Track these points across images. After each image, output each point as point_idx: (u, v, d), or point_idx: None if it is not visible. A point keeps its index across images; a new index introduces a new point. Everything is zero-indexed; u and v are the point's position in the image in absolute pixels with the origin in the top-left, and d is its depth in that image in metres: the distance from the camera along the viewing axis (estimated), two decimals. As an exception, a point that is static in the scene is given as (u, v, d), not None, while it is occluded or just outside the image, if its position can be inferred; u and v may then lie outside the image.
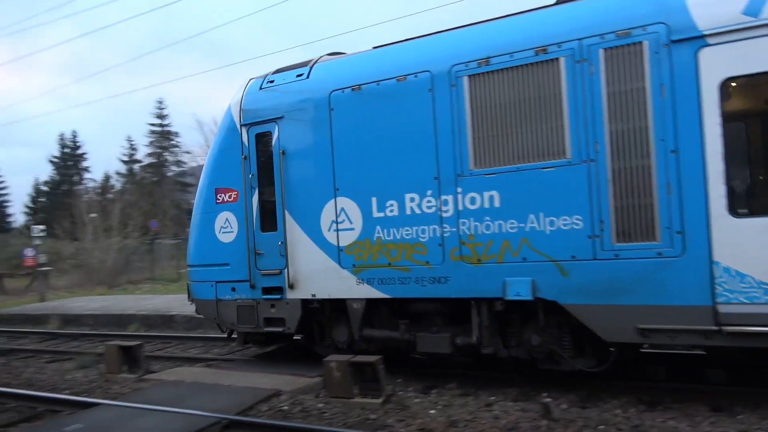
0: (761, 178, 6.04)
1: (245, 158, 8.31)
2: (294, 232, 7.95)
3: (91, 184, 53.34)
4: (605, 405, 6.23)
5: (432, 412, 6.25)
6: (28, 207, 59.11)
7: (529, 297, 6.32)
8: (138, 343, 8.85)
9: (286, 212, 8.00)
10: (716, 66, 5.54)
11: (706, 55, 5.58)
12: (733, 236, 5.44)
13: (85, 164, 59.49)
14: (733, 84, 5.61)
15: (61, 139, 58.71)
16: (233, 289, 8.48)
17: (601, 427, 5.47)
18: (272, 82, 8.34)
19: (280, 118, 8.03)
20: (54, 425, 6.43)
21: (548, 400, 6.17)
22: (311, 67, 8.09)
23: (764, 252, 5.31)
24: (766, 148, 6.11)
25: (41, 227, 24.09)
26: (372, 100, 7.32)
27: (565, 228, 6.17)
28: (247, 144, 8.35)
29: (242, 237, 8.33)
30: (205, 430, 5.84)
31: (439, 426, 5.75)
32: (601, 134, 6.02)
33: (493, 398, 6.62)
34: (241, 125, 8.40)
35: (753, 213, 5.74)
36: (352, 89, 7.48)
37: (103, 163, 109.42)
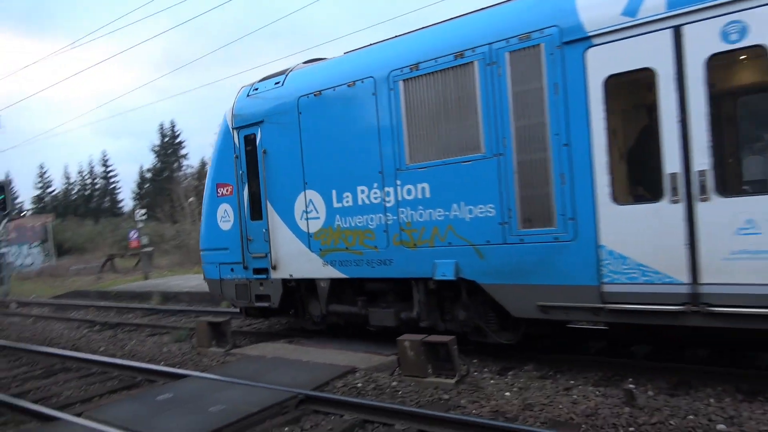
0: (639, 168, 6.37)
1: (236, 157, 9.42)
2: (274, 220, 9.02)
3: (189, 171, 56.74)
4: (697, 393, 5.80)
5: (507, 394, 6.09)
6: (135, 193, 64.09)
7: (452, 277, 7.11)
8: (225, 319, 9.32)
9: (268, 203, 9.06)
10: (601, 64, 5.99)
11: (592, 55, 6.05)
12: (616, 222, 5.98)
13: (183, 152, 63.44)
14: (615, 81, 6.00)
15: (161, 128, 62.89)
16: (232, 270, 9.69)
17: (691, 416, 5.07)
18: (257, 89, 9.34)
19: (262, 121, 9.05)
20: (149, 394, 6.92)
21: (632, 386, 5.83)
22: (286, 76, 9.04)
23: (642, 236, 5.84)
24: (645, 140, 6.25)
25: (143, 212, 26.02)
26: (330, 104, 8.21)
27: (481, 216, 6.90)
28: (237, 145, 9.44)
29: (237, 225, 9.52)
30: (282, 404, 6.04)
31: (513, 408, 5.60)
32: (508, 130, 6.64)
33: (572, 382, 6.36)
34: (233, 128, 9.48)
35: (633, 201, 6.25)
36: (315, 95, 8.39)
37: (199, 149, 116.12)
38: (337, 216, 8.27)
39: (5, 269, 27.74)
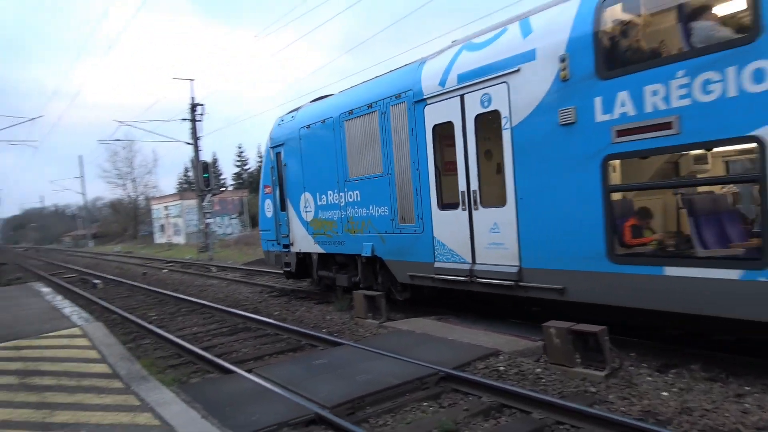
0: (449, 186, 8.79)
1: (272, 168, 13.66)
2: (291, 212, 13.18)
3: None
4: None
5: (664, 394, 5.58)
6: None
7: (369, 254, 10.52)
8: (379, 293, 9.80)
9: (287, 200, 13.25)
10: (431, 117, 8.86)
11: (427, 110, 8.92)
12: (440, 221, 8.89)
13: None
14: (438, 128, 8.83)
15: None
16: (273, 245, 14.13)
17: None
18: (282, 121, 13.44)
19: (283, 143, 13.12)
20: (308, 358, 7.63)
21: (825, 401, 4.94)
22: (297, 112, 13.02)
23: (451, 231, 8.68)
24: (450, 169, 8.80)
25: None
26: (315, 134, 11.93)
27: (382, 214, 10.13)
28: (272, 159, 13.60)
29: (273, 214, 13.89)
30: (423, 379, 6.25)
31: (668, 411, 5.12)
32: (392, 158, 9.74)
33: (747, 388, 5.59)
34: (270, 147, 13.75)
35: (446, 208, 8.81)
36: (307, 127, 12.19)
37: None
38: (320, 210, 12.00)
39: (210, 237, 32.18)
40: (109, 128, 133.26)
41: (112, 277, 22.71)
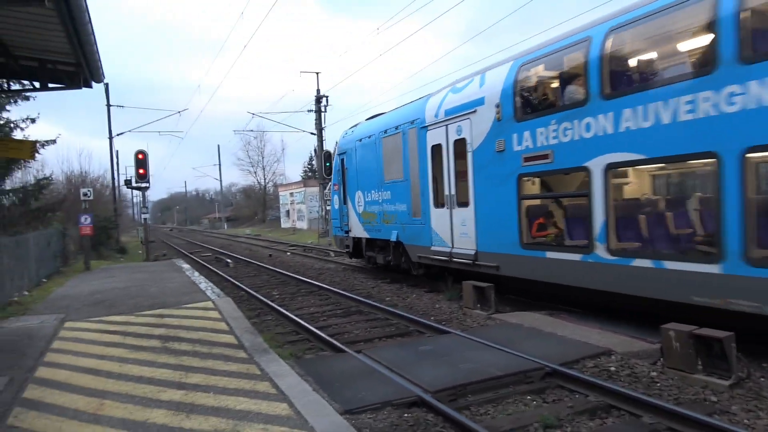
0: (440, 191, 11.99)
1: (338, 170, 17.57)
2: (349, 205, 16.83)
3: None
4: None
5: (799, 410, 5.06)
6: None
7: (395, 240, 13.91)
8: (489, 285, 9.76)
9: (347, 196, 16.90)
10: (431, 140, 12.04)
11: (428, 134, 12.11)
12: (435, 216, 12.14)
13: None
14: (434, 148, 11.99)
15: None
16: (339, 230, 18.05)
17: None
18: (345, 134, 17.20)
19: (345, 152, 16.89)
20: (415, 343, 7.85)
21: None
22: (354, 128, 16.90)
23: (441, 224, 11.93)
24: (441, 177, 11.89)
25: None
26: (365, 145, 15.42)
27: (403, 210, 13.43)
28: (338, 163, 17.55)
29: (339, 207, 17.81)
30: (527, 373, 6.19)
31: (801, 429, 4.65)
32: (408, 167, 13.05)
33: None
34: (336, 154, 18.00)
35: (439, 206, 12.04)
36: (360, 140, 15.77)
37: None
38: (367, 205, 15.45)
39: (330, 223, 33.70)
40: (244, 119, 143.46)
41: (242, 257, 24.66)
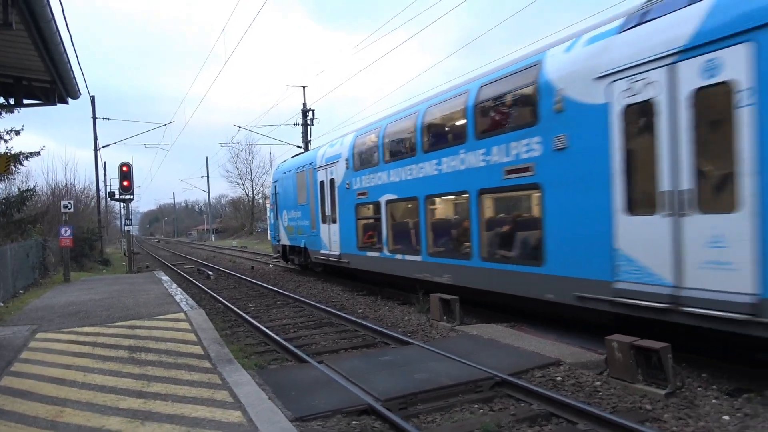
0: (323, 211, 17.63)
1: (273, 194, 23.87)
2: (279, 221, 22.94)
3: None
4: None
5: (725, 418, 5.35)
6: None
7: (303, 246, 20.03)
8: (454, 297, 10.03)
9: (278, 214, 23.24)
10: (319, 177, 17.46)
11: (318, 173, 17.55)
12: (322, 229, 17.84)
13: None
14: (321, 182, 17.43)
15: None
16: (274, 240, 24.81)
17: None
18: (279, 166, 23.87)
19: (277, 180, 23.31)
20: (376, 354, 8.09)
21: None
22: (284, 162, 23.09)
23: (325, 233, 17.51)
24: (324, 203, 17.40)
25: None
26: (286, 177, 21.26)
27: (307, 224, 19.36)
28: (273, 188, 23.75)
29: (273, 222, 25.02)
30: (478, 383, 6.45)
31: (723, 435, 4.93)
32: (308, 195, 18.63)
33: (824, 421, 5.19)
34: (273, 181, 23.97)
35: (324, 222, 17.45)
36: (284, 173, 21.79)
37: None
38: (289, 220, 20.87)
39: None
40: (232, 131, 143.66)
41: (224, 269, 24.77)
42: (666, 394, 5.89)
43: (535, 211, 8.89)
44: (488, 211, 10.08)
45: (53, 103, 8.93)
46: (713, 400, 5.81)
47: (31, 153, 24.79)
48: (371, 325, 10.11)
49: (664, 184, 6.52)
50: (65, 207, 17.88)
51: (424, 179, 11.57)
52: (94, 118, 31.87)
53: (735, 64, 5.78)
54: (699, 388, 6.19)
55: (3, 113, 20.49)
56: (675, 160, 6.42)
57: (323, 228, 17.24)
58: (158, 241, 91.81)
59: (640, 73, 6.72)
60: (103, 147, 34.71)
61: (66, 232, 17.53)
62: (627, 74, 6.90)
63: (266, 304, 14.24)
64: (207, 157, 71.53)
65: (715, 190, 6.22)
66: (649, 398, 5.90)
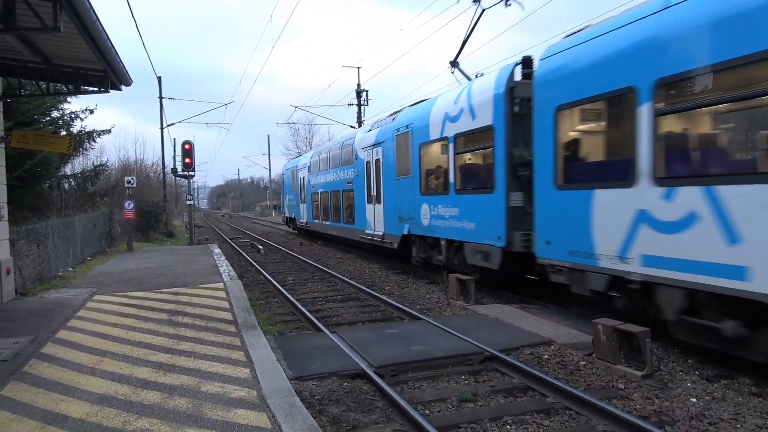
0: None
1: (289, 183, 34.58)
2: (304, 204, 30.58)
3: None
4: None
5: (692, 399, 5.65)
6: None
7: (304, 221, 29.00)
8: (470, 278, 10.49)
9: (306, 196, 29.16)
10: (301, 175, 28.96)
11: (300, 172, 29.23)
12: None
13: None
14: (302, 178, 28.59)
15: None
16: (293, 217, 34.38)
17: None
18: (285, 166, 37.78)
19: (288, 170, 35.65)
20: (385, 327, 8.73)
21: None
22: (296, 159, 35.59)
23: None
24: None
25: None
26: (291, 173, 33.44)
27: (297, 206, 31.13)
28: (290, 178, 33.69)
29: (296, 204, 32.54)
30: (469, 356, 6.97)
31: (681, 415, 5.25)
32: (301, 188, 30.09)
33: (787, 407, 5.39)
34: (297, 170, 31.19)
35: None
36: (291, 171, 33.98)
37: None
38: (310, 202, 27.60)
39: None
40: (291, 110, 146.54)
41: (274, 244, 26.08)
42: (642, 375, 6.21)
43: (352, 200, 18.89)
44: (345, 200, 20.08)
45: (107, 91, 9.99)
46: (689, 384, 6.08)
47: (103, 131, 26.79)
48: (392, 302, 10.75)
49: (374, 191, 16.76)
50: (128, 182, 19.46)
51: (325, 181, 22.88)
52: (161, 98, 33.85)
53: (377, 153, 16.05)
54: (680, 372, 6.45)
55: (67, 98, 22.30)
56: (377, 183, 16.28)
57: (302, 206, 28.42)
58: (223, 216, 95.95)
59: (368, 148, 16.84)
60: (169, 125, 36.83)
61: (129, 205, 19.10)
62: (366, 148, 17.15)
63: (304, 278, 15.16)
64: (268, 135, 73.97)
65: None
66: (626, 378, 6.25)
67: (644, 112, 6.79)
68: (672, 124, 6.75)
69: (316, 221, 24.85)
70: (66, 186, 25.74)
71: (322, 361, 6.87)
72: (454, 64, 13.88)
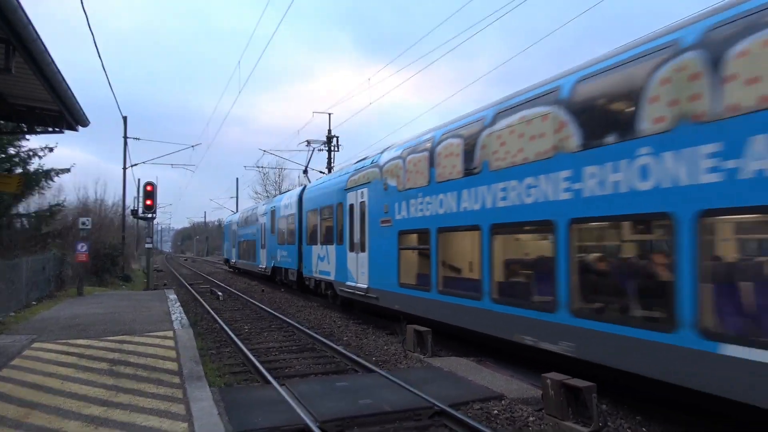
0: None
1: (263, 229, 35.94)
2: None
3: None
4: None
5: (636, 457, 5.72)
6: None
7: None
8: (426, 329, 10.53)
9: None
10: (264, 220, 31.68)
11: (260, 218, 33.15)
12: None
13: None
14: (263, 225, 33.17)
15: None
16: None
17: None
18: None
19: (233, 222, 47.76)
20: (337, 379, 8.66)
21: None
22: (233, 215, 50.37)
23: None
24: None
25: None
26: (243, 223, 40.41)
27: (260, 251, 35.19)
28: (231, 230, 46.59)
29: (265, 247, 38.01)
30: (417, 411, 6.95)
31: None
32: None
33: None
34: (226, 225, 50.51)
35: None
36: (238, 221, 44.53)
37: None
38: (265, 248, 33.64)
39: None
40: (256, 153, 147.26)
41: (235, 291, 25.70)
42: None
43: (254, 247, 33.17)
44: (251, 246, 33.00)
45: (61, 131, 10.00)
46: (634, 441, 6.17)
47: (62, 169, 26.42)
48: (347, 353, 10.67)
49: (262, 242, 30.39)
50: (83, 224, 19.15)
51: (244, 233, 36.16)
52: (126, 137, 33.74)
53: (262, 219, 30.84)
54: (628, 429, 6.54)
55: (21, 138, 22.09)
56: (263, 237, 28.75)
57: (233, 249, 42.06)
58: (186, 260, 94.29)
59: (261, 215, 31.14)
60: (132, 166, 36.54)
61: (82, 248, 18.73)
62: (260, 215, 31.18)
63: (261, 327, 14.94)
64: (237, 178, 73.85)
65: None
66: (573, 435, 6.30)
67: (309, 217, 20.31)
68: (309, 221, 20.39)
69: (241, 260, 38.03)
70: (18, 225, 25.15)
71: (265, 415, 6.76)
72: (305, 172, 30.88)
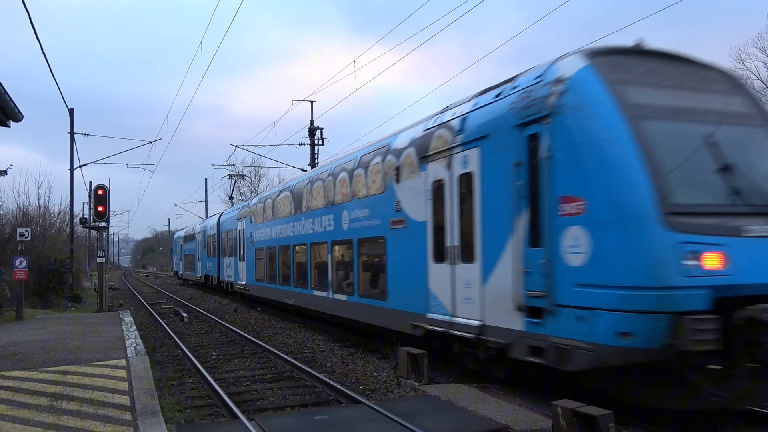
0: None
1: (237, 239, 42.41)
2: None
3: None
4: None
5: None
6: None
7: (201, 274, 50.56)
8: (422, 352, 10.60)
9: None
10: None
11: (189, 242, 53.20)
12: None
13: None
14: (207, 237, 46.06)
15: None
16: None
17: None
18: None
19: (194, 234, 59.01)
20: (316, 412, 8.73)
21: None
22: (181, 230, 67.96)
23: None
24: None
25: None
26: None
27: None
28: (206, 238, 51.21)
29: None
30: (407, 447, 7.01)
31: None
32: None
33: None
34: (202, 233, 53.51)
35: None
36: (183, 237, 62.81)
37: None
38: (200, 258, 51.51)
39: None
40: (230, 149, 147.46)
41: (203, 311, 25.76)
42: (606, 468, 6.38)
43: (194, 259, 50.19)
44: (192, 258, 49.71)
45: (-9, 127, 10.05)
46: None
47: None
48: (330, 381, 10.73)
49: (201, 255, 47.61)
50: (21, 236, 19.16)
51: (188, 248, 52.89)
52: (72, 133, 33.68)
53: (201, 236, 47.91)
54: (649, 463, 6.62)
55: None
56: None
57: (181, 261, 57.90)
58: (147, 276, 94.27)
59: (198, 233, 50.20)
60: (81, 166, 36.40)
61: (21, 263, 18.75)
62: (197, 233, 50.59)
63: (231, 352, 15.00)
64: (206, 179, 73.60)
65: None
66: (587, 471, 6.37)
67: (223, 237, 35.88)
68: (224, 239, 35.56)
69: (186, 271, 52.26)
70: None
71: (229, 455, 6.81)
72: (230, 198, 50.09)
